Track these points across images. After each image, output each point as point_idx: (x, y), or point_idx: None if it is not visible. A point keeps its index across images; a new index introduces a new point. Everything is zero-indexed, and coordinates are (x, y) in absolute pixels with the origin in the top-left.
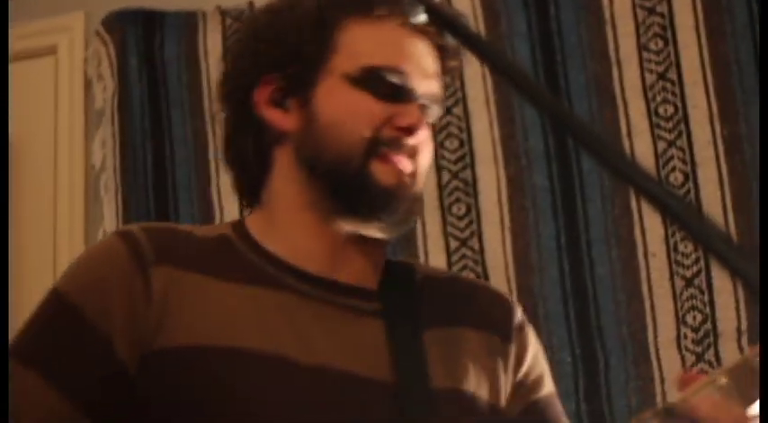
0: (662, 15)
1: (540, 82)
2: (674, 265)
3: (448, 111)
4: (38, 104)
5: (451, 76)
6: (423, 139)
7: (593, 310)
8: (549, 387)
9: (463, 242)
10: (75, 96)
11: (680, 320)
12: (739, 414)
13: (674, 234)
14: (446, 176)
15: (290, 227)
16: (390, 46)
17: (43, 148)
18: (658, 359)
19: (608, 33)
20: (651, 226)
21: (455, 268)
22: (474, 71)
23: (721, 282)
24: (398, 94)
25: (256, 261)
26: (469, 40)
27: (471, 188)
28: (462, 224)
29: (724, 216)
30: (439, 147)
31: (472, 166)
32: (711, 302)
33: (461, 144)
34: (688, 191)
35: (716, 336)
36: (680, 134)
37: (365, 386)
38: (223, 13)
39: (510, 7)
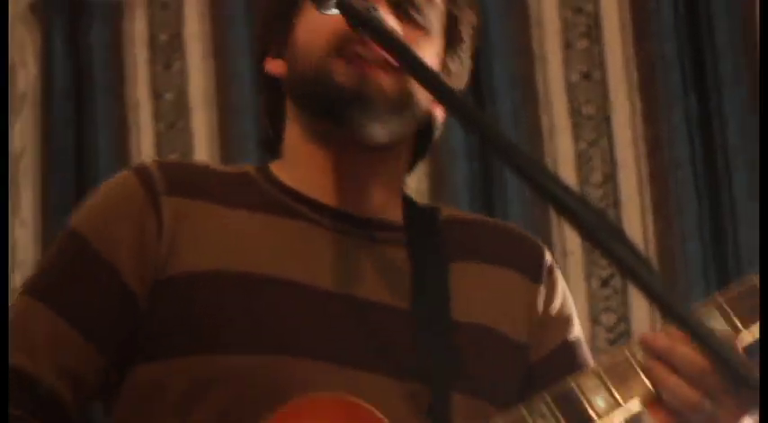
0: (588, 14)
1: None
2: (590, 265)
3: None
4: None
5: None
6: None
7: None
8: (578, 331)
9: None
10: None
11: (594, 321)
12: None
13: None
14: None
15: (299, 163)
16: None
17: None
18: None
19: (533, 30)
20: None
21: None
22: None
23: None
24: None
25: (275, 193)
26: (385, 38)
27: None
28: None
29: (642, 217)
30: None
31: None
32: (626, 303)
33: None
34: (607, 191)
35: (630, 337)
36: (601, 134)
37: (382, 313)
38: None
39: None
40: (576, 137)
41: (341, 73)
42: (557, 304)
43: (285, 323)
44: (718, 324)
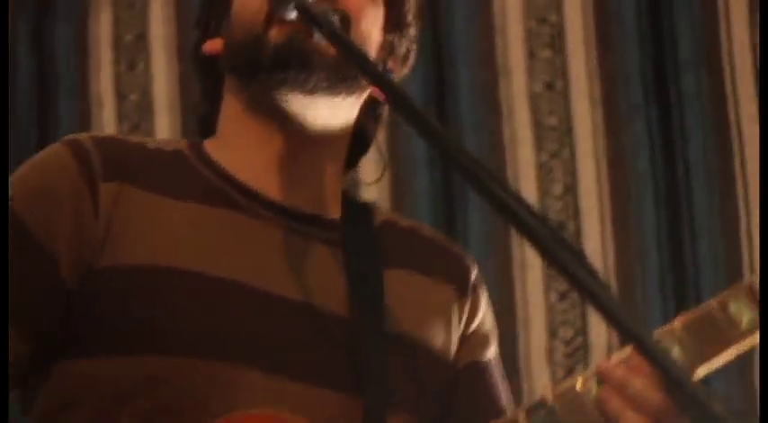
0: (552, 25)
1: (427, 87)
2: (548, 279)
3: None
4: None
5: None
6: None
7: None
8: (493, 351)
9: None
10: None
11: (552, 334)
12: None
13: None
14: None
15: (235, 138)
16: None
17: None
18: (528, 371)
19: (497, 40)
20: None
21: None
22: None
23: None
24: None
25: (212, 179)
26: (342, 44)
27: None
28: None
29: (602, 229)
30: None
31: None
32: (584, 317)
33: None
34: (567, 203)
35: (587, 350)
36: (563, 145)
37: (318, 317)
38: None
39: None
40: (538, 148)
41: (276, 35)
42: (476, 323)
43: (222, 327)
44: (674, 355)
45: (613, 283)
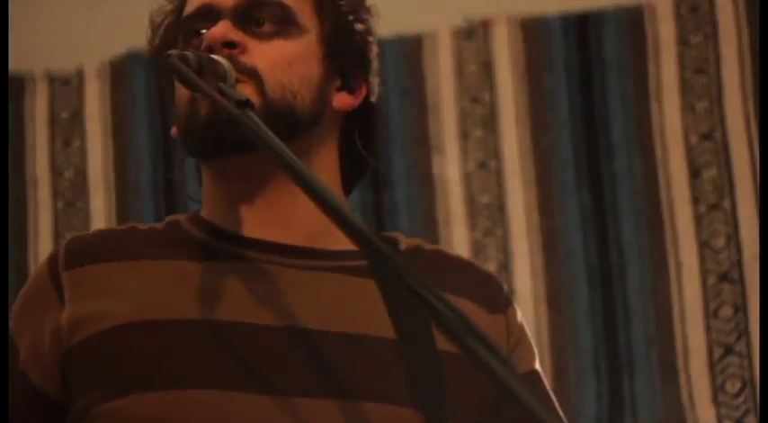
0: (485, 105)
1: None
2: None
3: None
4: None
5: None
6: (242, 50)
7: None
8: (530, 364)
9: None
10: None
11: None
12: None
13: None
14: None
15: (209, 199)
16: None
17: None
18: None
19: (430, 119)
20: None
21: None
22: None
23: None
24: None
25: (199, 236)
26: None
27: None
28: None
29: (535, 308)
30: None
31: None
32: None
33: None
34: (500, 280)
35: None
36: (497, 224)
37: (369, 344)
38: (51, 77)
39: None
40: (472, 226)
41: (203, 106)
42: (516, 335)
43: (223, 361)
44: None
45: (546, 361)
